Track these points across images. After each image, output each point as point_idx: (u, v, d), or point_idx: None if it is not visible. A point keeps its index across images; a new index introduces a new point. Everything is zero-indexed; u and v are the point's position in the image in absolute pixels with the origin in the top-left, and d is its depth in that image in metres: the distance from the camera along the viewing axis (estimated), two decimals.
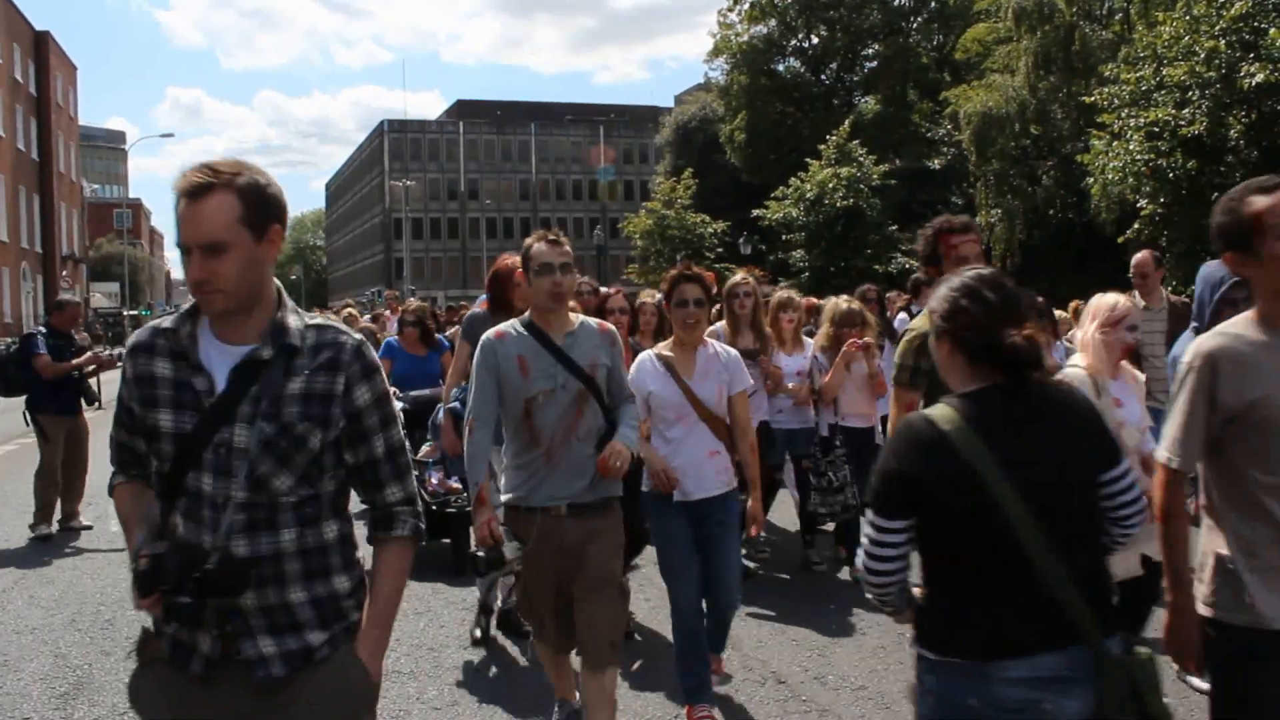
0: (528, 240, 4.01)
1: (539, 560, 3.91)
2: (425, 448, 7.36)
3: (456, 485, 6.95)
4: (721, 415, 4.64)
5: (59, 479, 8.87)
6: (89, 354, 9.07)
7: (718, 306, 6.83)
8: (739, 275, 6.96)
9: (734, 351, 4.86)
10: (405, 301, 10.16)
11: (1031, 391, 2.41)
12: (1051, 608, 2.28)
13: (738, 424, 4.69)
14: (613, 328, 4.17)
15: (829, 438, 6.92)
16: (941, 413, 2.38)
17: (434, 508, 6.90)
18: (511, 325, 4.01)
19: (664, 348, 4.76)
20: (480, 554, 3.84)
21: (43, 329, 9.19)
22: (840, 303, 7.19)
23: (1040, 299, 7.14)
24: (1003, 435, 2.33)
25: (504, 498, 4.05)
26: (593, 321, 4.12)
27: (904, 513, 2.38)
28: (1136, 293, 7.64)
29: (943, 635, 2.37)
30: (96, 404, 9.31)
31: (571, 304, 4.36)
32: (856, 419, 7.09)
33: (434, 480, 7.23)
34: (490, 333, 4.00)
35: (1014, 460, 2.29)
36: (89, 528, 8.95)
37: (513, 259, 5.11)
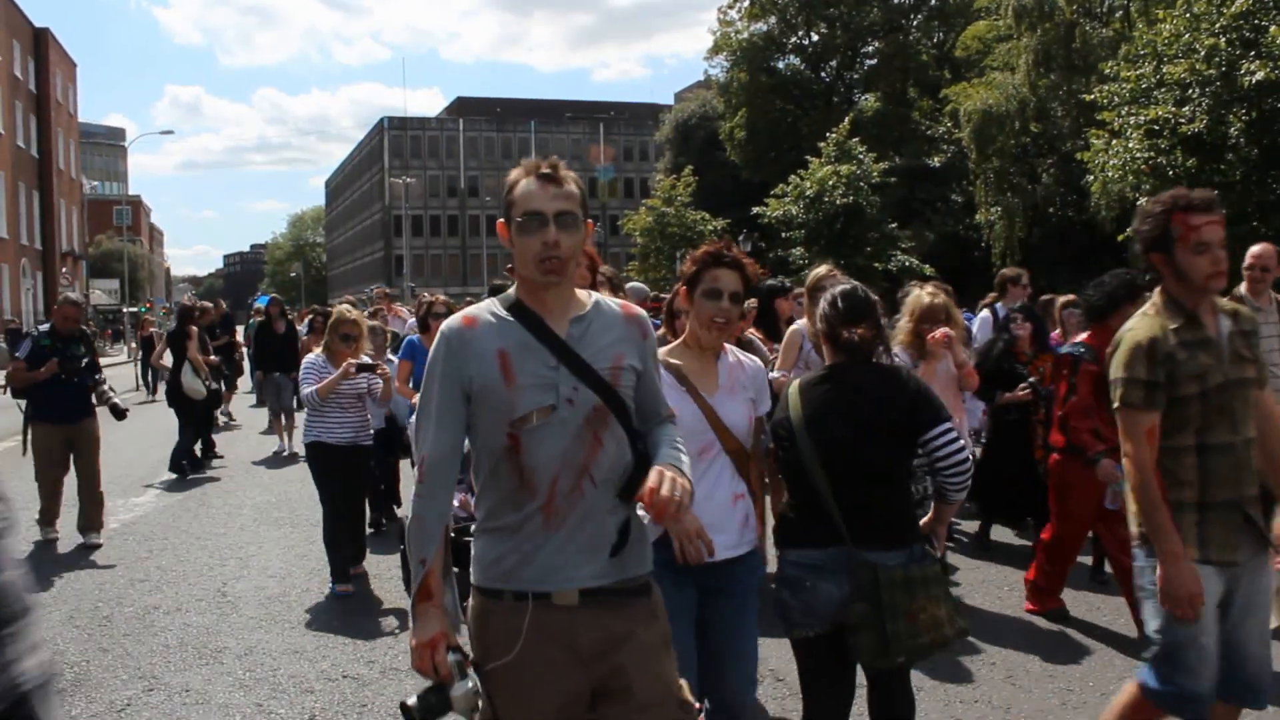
0: (511, 173, 2.63)
1: (533, 683, 2.48)
2: None
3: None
4: (747, 445, 3.47)
5: (54, 487, 8.57)
6: (51, 361, 8.24)
7: (752, 301, 6.06)
8: (823, 268, 6.43)
9: (757, 360, 3.74)
10: (422, 295, 9.70)
11: (861, 371, 3.42)
12: (821, 518, 3.31)
13: (755, 453, 3.60)
14: (641, 312, 2.76)
15: None
16: (794, 383, 3.51)
17: (450, 534, 5.99)
18: (488, 307, 2.62)
19: (669, 353, 3.47)
20: (411, 702, 2.41)
21: (43, 328, 8.99)
22: (923, 295, 6.27)
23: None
24: (817, 399, 3.39)
25: (474, 580, 2.60)
26: (613, 302, 2.72)
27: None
28: (1245, 287, 6.43)
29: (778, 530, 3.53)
30: (124, 413, 8.79)
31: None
32: None
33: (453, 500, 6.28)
34: (456, 318, 2.60)
35: (817, 417, 3.35)
36: (99, 545, 8.31)
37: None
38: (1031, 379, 7.25)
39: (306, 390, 6.74)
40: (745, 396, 3.48)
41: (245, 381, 19.57)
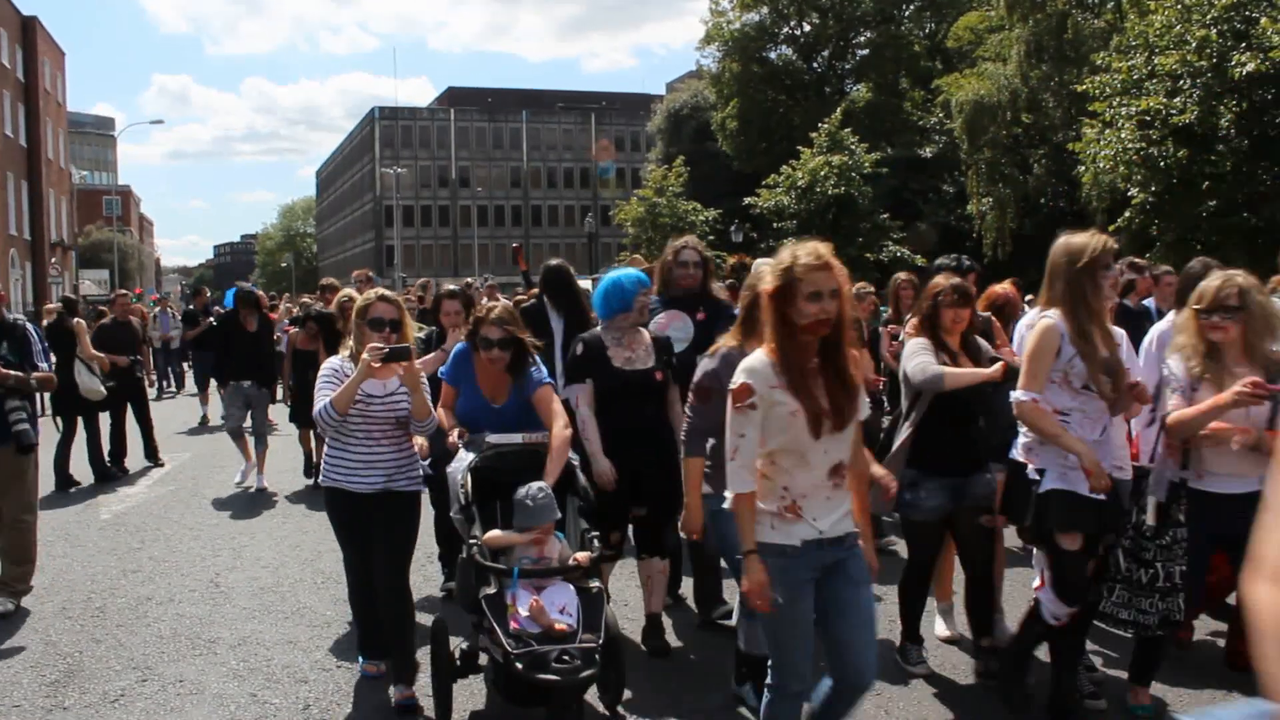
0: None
1: None
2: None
3: (562, 623, 3.98)
4: None
5: None
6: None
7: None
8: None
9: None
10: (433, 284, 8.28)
11: None
12: None
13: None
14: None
15: (1167, 503, 4.33)
16: None
17: (517, 665, 3.83)
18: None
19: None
20: None
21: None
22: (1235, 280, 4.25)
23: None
24: None
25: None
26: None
27: None
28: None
29: None
30: (30, 447, 6.35)
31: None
32: (1225, 479, 4.23)
33: (521, 608, 4.01)
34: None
35: None
36: (11, 611, 6.27)
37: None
38: None
39: (321, 404, 4.55)
40: None
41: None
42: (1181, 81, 20.24)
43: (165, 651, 5.57)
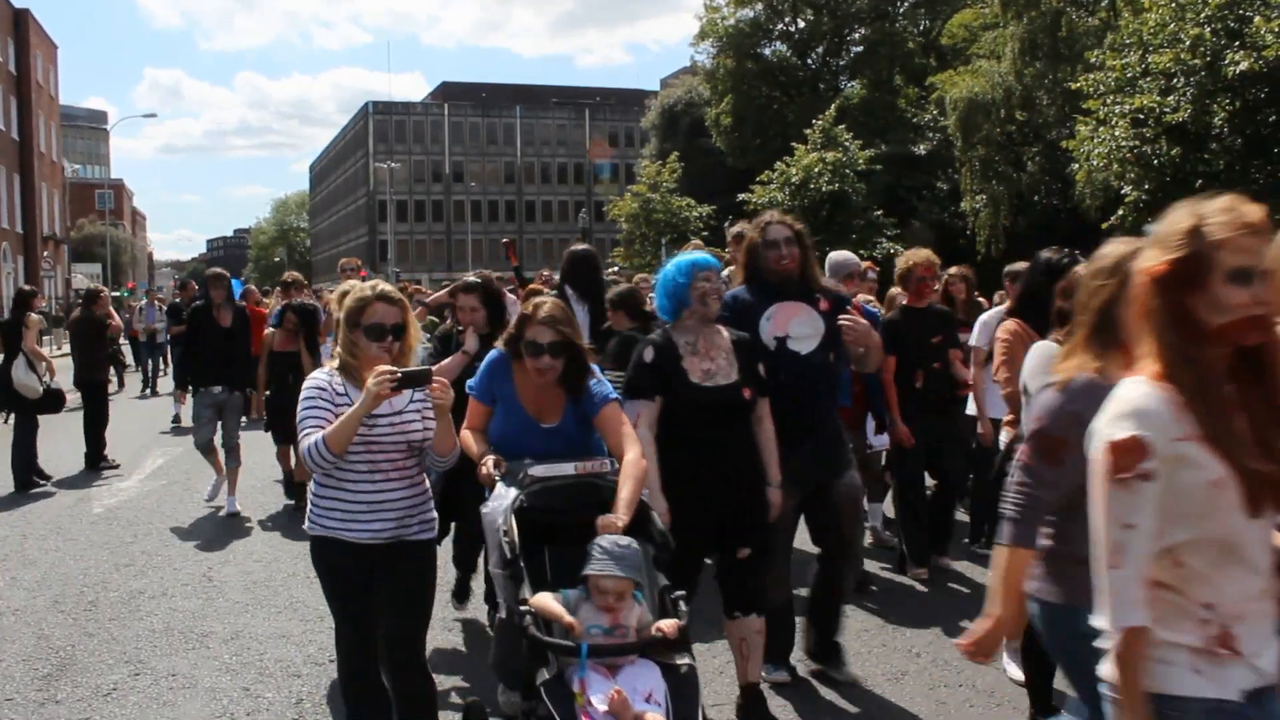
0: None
1: None
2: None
3: (652, 714, 3.11)
4: None
5: None
6: None
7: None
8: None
9: None
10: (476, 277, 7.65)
11: None
12: None
13: None
14: None
15: None
16: None
17: None
18: None
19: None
20: None
21: None
22: None
23: None
24: None
25: None
26: None
27: None
28: None
29: None
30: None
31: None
32: None
33: (596, 699, 3.09)
34: None
35: None
36: None
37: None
38: None
39: (309, 440, 3.48)
40: None
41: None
42: (1175, 80, 20.26)
43: (158, 645, 5.56)
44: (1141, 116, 20.66)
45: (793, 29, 50.51)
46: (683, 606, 3.36)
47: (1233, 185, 19.56)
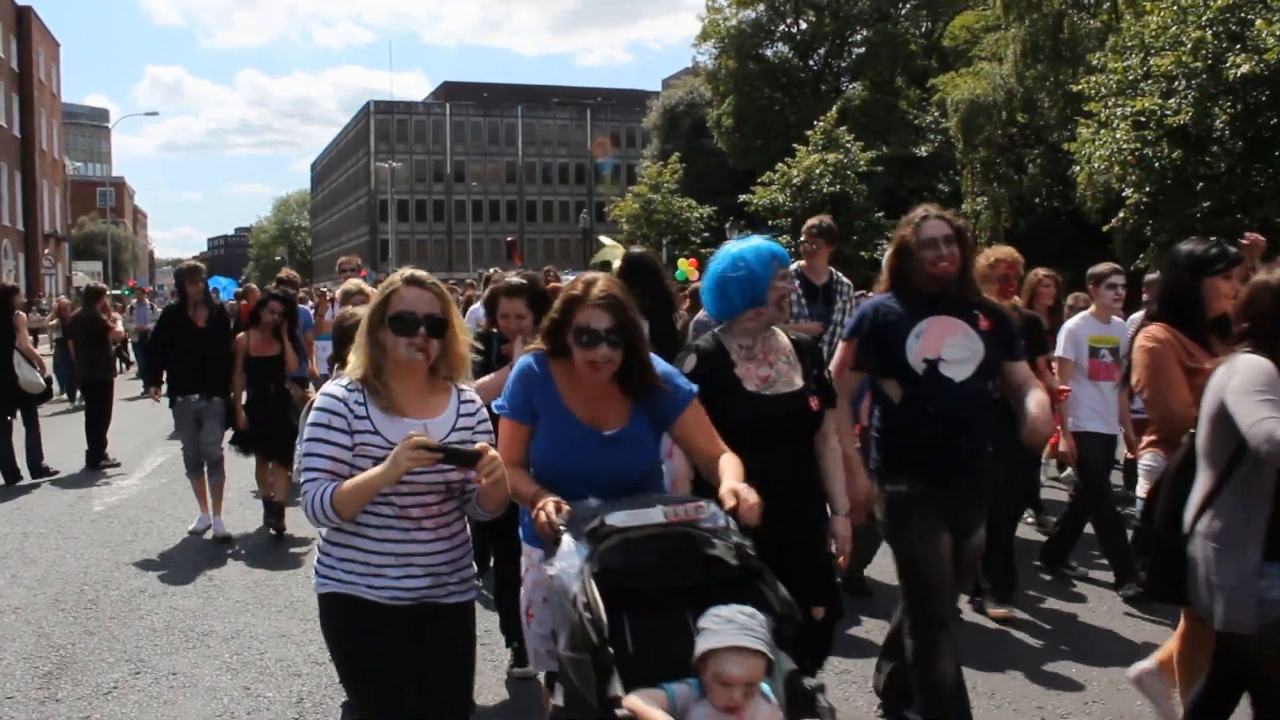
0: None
1: None
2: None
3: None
4: None
5: None
6: None
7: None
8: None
9: None
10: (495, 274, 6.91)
11: None
12: None
13: None
14: None
15: None
16: None
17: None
18: None
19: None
20: None
21: None
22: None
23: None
24: None
25: None
26: None
27: None
28: None
29: None
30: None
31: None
32: None
33: None
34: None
35: None
36: None
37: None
38: None
39: (315, 492, 2.78)
40: None
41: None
42: (1177, 82, 20.26)
43: (158, 644, 5.57)
44: (1143, 119, 20.66)
45: (795, 30, 50.52)
46: (822, 702, 2.51)
47: (1234, 187, 19.62)
